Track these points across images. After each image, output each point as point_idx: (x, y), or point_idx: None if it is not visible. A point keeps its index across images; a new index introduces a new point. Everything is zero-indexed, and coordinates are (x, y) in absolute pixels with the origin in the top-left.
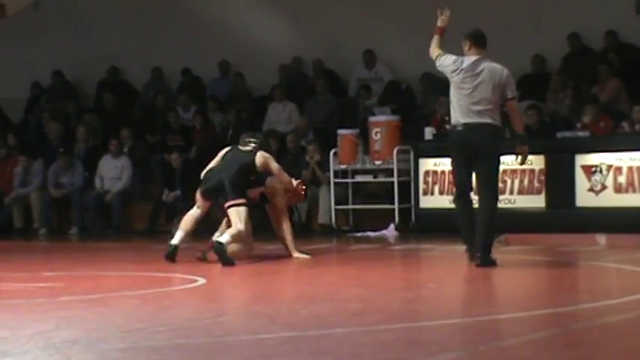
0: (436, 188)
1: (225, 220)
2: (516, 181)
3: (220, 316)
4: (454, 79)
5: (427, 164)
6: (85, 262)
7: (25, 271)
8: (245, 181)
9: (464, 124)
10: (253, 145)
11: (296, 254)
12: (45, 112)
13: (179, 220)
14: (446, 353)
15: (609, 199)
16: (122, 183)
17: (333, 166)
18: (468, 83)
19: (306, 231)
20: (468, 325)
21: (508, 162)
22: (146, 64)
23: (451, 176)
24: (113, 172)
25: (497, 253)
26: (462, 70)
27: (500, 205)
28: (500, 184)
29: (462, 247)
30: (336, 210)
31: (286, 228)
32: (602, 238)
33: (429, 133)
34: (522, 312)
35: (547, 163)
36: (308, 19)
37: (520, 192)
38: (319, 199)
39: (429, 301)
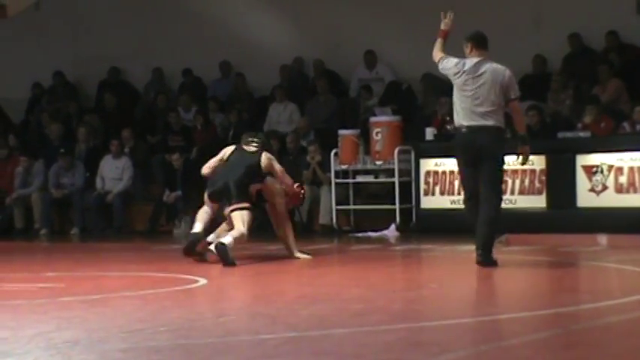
0: (437, 188)
1: (225, 223)
2: (517, 182)
3: (221, 316)
4: (456, 82)
5: (428, 164)
6: (86, 262)
7: (26, 271)
8: (251, 182)
9: (467, 126)
10: (256, 145)
11: (297, 254)
12: (44, 113)
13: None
14: (447, 353)
15: (610, 199)
16: (123, 183)
17: (334, 167)
18: (470, 85)
19: (307, 231)
20: (469, 325)
21: (509, 162)
22: (147, 64)
23: (451, 176)
24: (114, 173)
25: (498, 253)
26: (463, 72)
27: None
28: None
29: (462, 248)
30: (337, 210)
31: (287, 228)
32: (603, 239)
33: (429, 133)
34: (523, 312)
35: (548, 163)
36: (309, 19)
37: (521, 192)
38: (320, 200)
39: (431, 301)
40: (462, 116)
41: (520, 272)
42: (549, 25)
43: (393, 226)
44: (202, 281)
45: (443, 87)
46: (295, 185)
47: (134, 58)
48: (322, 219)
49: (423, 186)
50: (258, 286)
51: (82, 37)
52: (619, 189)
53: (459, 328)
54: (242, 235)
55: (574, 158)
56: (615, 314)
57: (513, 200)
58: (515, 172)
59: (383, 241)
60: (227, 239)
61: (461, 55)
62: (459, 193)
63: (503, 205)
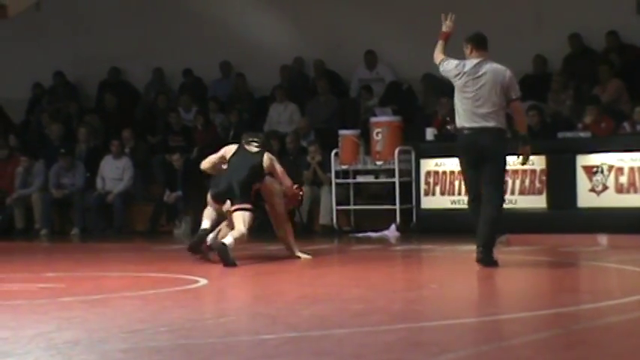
0: (437, 189)
1: (225, 223)
2: (517, 182)
3: (222, 316)
4: (457, 84)
5: (428, 165)
6: (87, 262)
7: (27, 271)
8: (254, 183)
9: (469, 128)
10: (257, 144)
11: (298, 254)
12: (44, 113)
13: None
14: (447, 354)
15: (610, 199)
16: (123, 184)
17: (334, 167)
18: (471, 87)
19: (307, 232)
20: (469, 325)
21: (510, 162)
22: (147, 64)
23: (451, 177)
24: (114, 173)
25: (499, 253)
26: (464, 73)
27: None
28: None
29: (463, 248)
30: (337, 210)
31: (287, 229)
32: (603, 239)
33: (430, 133)
34: (524, 312)
35: (548, 163)
36: (309, 19)
37: (521, 192)
38: (320, 200)
39: (431, 301)
40: (463, 118)
41: (520, 272)
42: (550, 26)
43: (393, 227)
44: (203, 281)
45: (443, 87)
46: (295, 187)
47: (134, 59)
48: (322, 219)
49: (423, 186)
50: (258, 286)
51: (82, 38)
52: (619, 189)
53: (459, 329)
54: (242, 236)
55: (574, 158)
56: (616, 314)
57: (514, 200)
58: (515, 172)
59: (383, 241)
60: (228, 239)
61: (462, 56)
62: (459, 194)
63: (503, 206)
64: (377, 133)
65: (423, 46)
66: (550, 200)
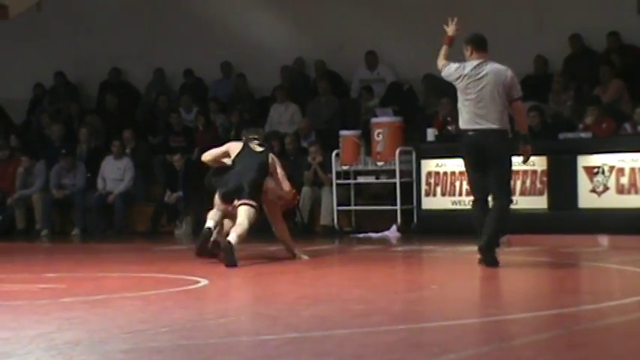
0: (438, 189)
1: (224, 223)
2: (518, 182)
3: (222, 317)
4: (459, 86)
5: (429, 165)
6: (87, 263)
7: (27, 272)
8: (263, 180)
9: (472, 130)
10: (259, 143)
11: (298, 253)
12: (44, 114)
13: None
14: (448, 354)
15: (611, 200)
16: (124, 184)
17: (335, 167)
18: (472, 88)
19: (308, 232)
20: (470, 326)
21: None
22: (148, 65)
23: (452, 177)
24: (115, 174)
25: (500, 254)
26: (464, 76)
27: None
28: None
29: (464, 249)
30: (338, 211)
31: (282, 228)
32: (604, 240)
33: (431, 134)
34: (524, 313)
35: (549, 164)
36: (310, 20)
37: (522, 193)
38: (321, 201)
39: (432, 302)
40: (466, 120)
41: (521, 273)
42: (550, 26)
43: (394, 227)
44: (203, 282)
45: (444, 88)
46: (293, 192)
47: (135, 59)
48: (323, 220)
49: (424, 187)
50: (259, 286)
51: (83, 38)
52: (620, 190)
53: (459, 329)
54: (244, 231)
55: (575, 159)
56: (616, 315)
57: (514, 201)
58: (516, 173)
59: (384, 241)
60: (232, 237)
61: (463, 57)
62: (460, 194)
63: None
64: (378, 134)
65: (423, 47)
66: (551, 201)
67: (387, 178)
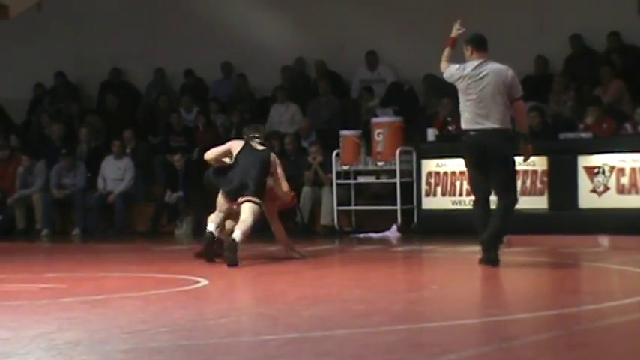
0: (439, 189)
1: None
2: (519, 183)
3: (223, 317)
4: (460, 87)
5: (430, 165)
6: (88, 263)
7: (28, 272)
8: (266, 178)
9: (474, 130)
10: (260, 141)
11: (289, 252)
12: (45, 113)
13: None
14: (448, 354)
15: (612, 200)
16: (124, 184)
17: (335, 167)
18: (473, 88)
19: (308, 232)
20: (470, 326)
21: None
22: (149, 65)
23: (452, 178)
24: (116, 174)
25: (500, 254)
26: (465, 76)
27: None
28: None
29: (464, 249)
30: (338, 211)
31: (279, 228)
32: (604, 240)
33: (431, 134)
34: (525, 313)
35: (549, 164)
36: (311, 20)
37: (523, 193)
38: (322, 201)
39: (432, 302)
40: (468, 120)
41: (521, 273)
42: (551, 27)
43: (394, 227)
44: (204, 282)
45: (444, 88)
46: (291, 194)
47: (136, 59)
48: (324, 220)
49: (424, 187)
50: (259, 286)
51: (83, 38)
52: (620, 190)
53: (460, 329)
54: (248, 228)
55: (575, 159)
56: (617, 315)
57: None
58: (517, 173)
59: (384, 242)
60: (237, 235)
61: (464, 58)
62: (460, 194)
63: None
64: (378, 134)
65: (424, 47)
66: (551, 201)
67: (388, 178)
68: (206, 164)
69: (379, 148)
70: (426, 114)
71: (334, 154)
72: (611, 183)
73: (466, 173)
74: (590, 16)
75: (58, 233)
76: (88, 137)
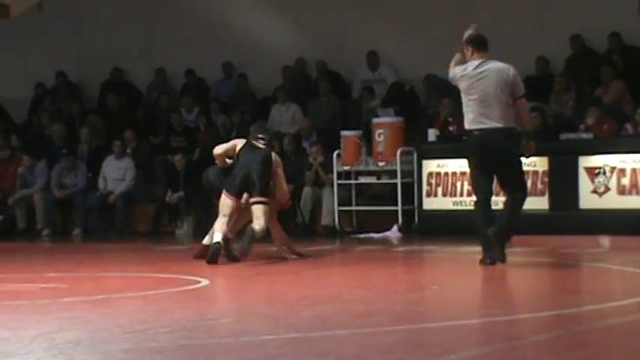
0: (439, 190)
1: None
2: None
3: (223, 317)
4: (462, 87)
5: (430, 166)
6: (88, 263)
7: (28, 272)
8: (269, 177)
9: (477, 129)
10: (264, 142)
11: (285, 254)
12: (45, 113)
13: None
14: (449, 355)
15: (613, 200)
16: (125, 184)
17: (336, 168)
18: (475, 88)
19: (309, 232)
20: (471, 326)
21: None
22: (150, 65)
23: (453, 178)
24: (116, 173)
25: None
26: (466, 76)
27: None
28: None
29: (465, 249)
30: (339, 211)
31: (277, 229)
32: (605, 240)
33: (432, 134)
34: (525, 314)
35: (550, 164)
36: (311, 20)
37: None
38: (322, 201)
39: (432, 302)
40: (471, 120)
41: (522, 274)
42: (552, 27)
43: (395, 228)
44: (204, 282)
45: (445, 88)
46: (288, 196)
47: (137, 59)
48: (324, 220)
49: (425, 187)
50: (259, 287)
51: (84, 38)
52: (621, 190)
53: (460, 330)
54: (262, 230)
55: (576, 160)
56: (617, 316)
57: None
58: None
59: (385, 242)
60: (257, 225)
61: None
62: (461, 195)
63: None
64: (379, 134)
65: (425, 47)
66: (552, 201)
67: (388, 179)
68: (206, 164)
69: (380, 148)
70: (427, 114)
71: (335, 155)
72: (612, 183)
73: (468, 173)
74: (590, 17)
75: (59, 233)
76: (89, 137)
